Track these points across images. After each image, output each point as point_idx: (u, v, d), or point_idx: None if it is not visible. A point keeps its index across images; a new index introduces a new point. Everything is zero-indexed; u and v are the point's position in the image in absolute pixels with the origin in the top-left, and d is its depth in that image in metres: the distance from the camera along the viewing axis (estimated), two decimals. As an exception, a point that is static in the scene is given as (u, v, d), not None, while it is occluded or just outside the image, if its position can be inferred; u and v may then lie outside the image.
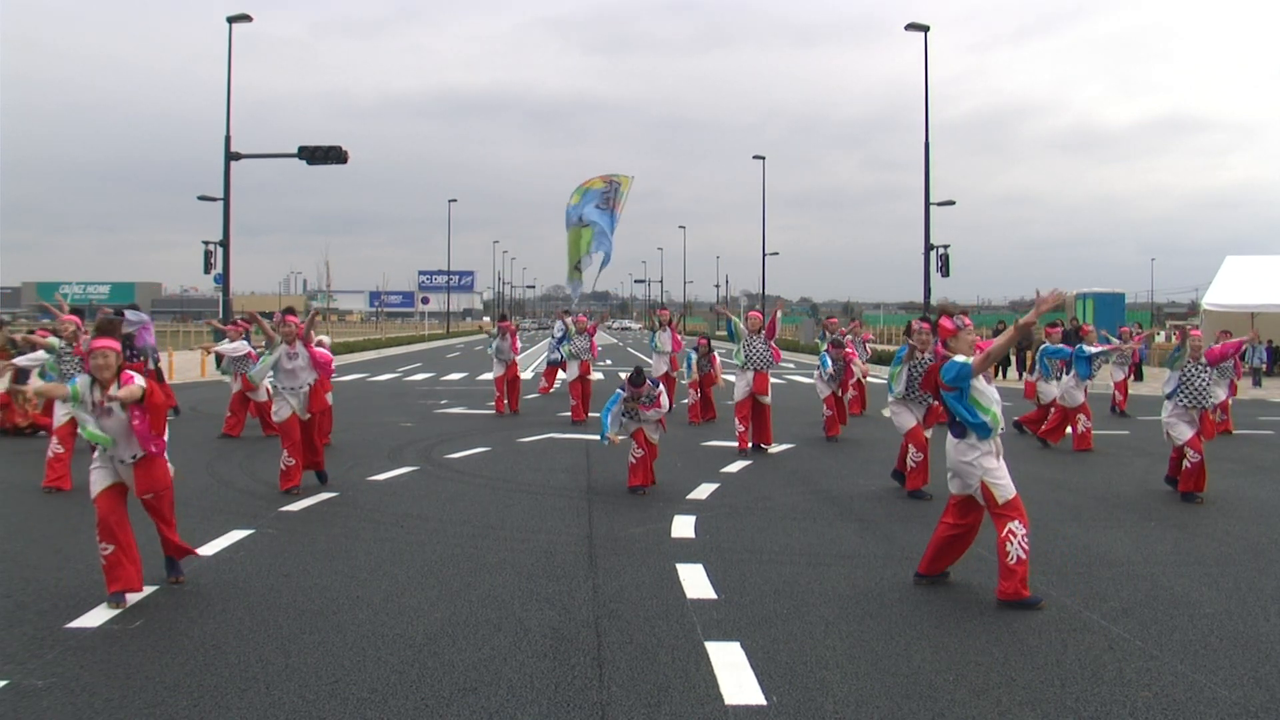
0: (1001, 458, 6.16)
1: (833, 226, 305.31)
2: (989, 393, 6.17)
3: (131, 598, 5.86)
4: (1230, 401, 15.79)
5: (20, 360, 11.00)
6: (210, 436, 14.04)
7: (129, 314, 12.57)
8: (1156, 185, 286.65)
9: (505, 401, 17.87)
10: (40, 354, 10.59)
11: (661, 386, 9.76)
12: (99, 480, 6.04)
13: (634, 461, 9.70)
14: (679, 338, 18.48)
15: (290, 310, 10.30)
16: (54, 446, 9.80)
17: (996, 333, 22.22)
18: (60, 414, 9.90)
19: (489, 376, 27.37)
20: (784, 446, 13.21)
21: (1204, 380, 9.68)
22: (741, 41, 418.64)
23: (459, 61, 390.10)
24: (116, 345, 6.01)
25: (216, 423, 15.01)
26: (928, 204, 31.62)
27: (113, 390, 5.84)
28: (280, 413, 9.70)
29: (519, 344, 18.64)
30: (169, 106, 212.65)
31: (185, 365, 24.93)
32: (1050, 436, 13.93)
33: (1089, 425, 13.60)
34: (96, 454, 6.10)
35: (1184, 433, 9.67)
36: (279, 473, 9.63)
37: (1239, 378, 16.12)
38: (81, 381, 5.99)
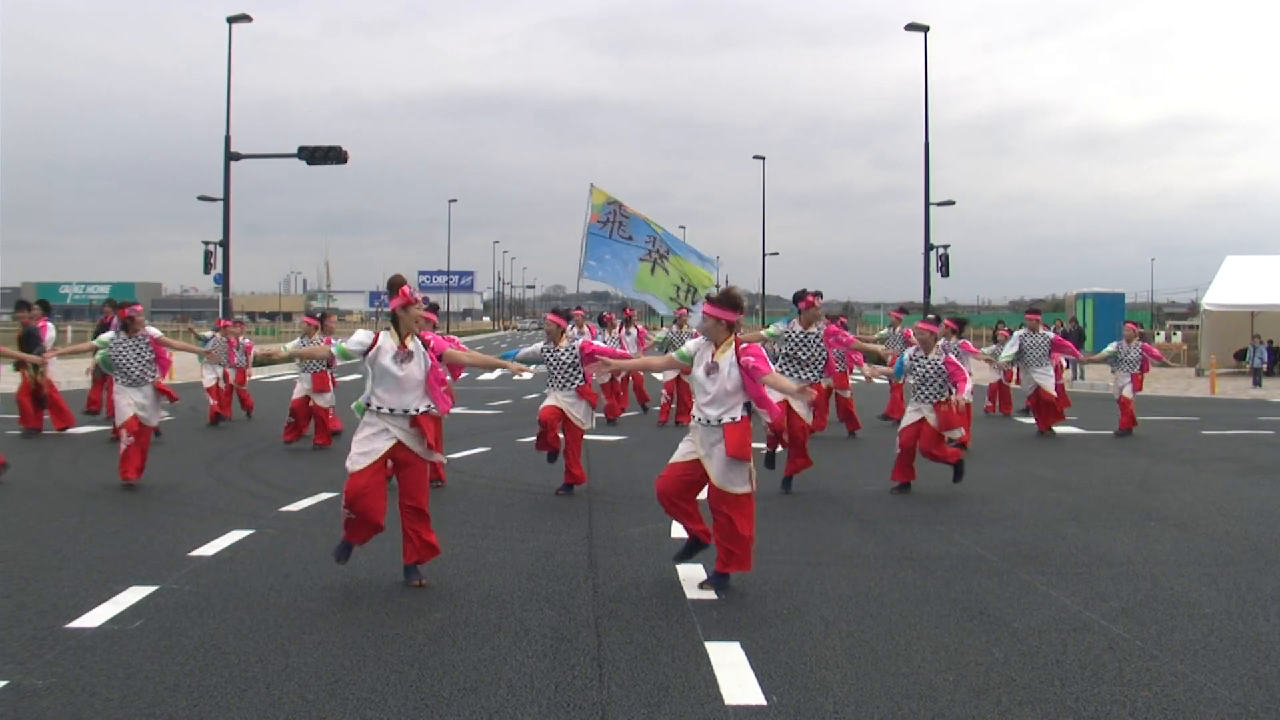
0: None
1: (836, 226, 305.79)
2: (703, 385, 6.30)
3: (133, 596, 5.85)
4: (1132, 397, 15.08)
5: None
6: (210, 437, 14.03)
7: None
8: (1160, 186, 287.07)
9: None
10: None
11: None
12: (371, 450, 6.31)
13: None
14: (645, 336, 18.43)
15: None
16: (125, 439, 9.63)
17: (994, 335, 22.19)
18: (123, 406, 9.66)
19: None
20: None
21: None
22: (751, 42, 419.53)
23: (469, 61, 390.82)
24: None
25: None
26: (927, 204, 31.79)
27: (411, 344, 6.38)
28: None
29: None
30: (173, 107, 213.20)
31: (186, 364, 24.91)
32: (1041, 423, 14.83)
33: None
34: (371, 420, 6.39)
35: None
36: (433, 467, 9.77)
37: (1145, 371, 15.43)
38: (368, 338, 6.52)
